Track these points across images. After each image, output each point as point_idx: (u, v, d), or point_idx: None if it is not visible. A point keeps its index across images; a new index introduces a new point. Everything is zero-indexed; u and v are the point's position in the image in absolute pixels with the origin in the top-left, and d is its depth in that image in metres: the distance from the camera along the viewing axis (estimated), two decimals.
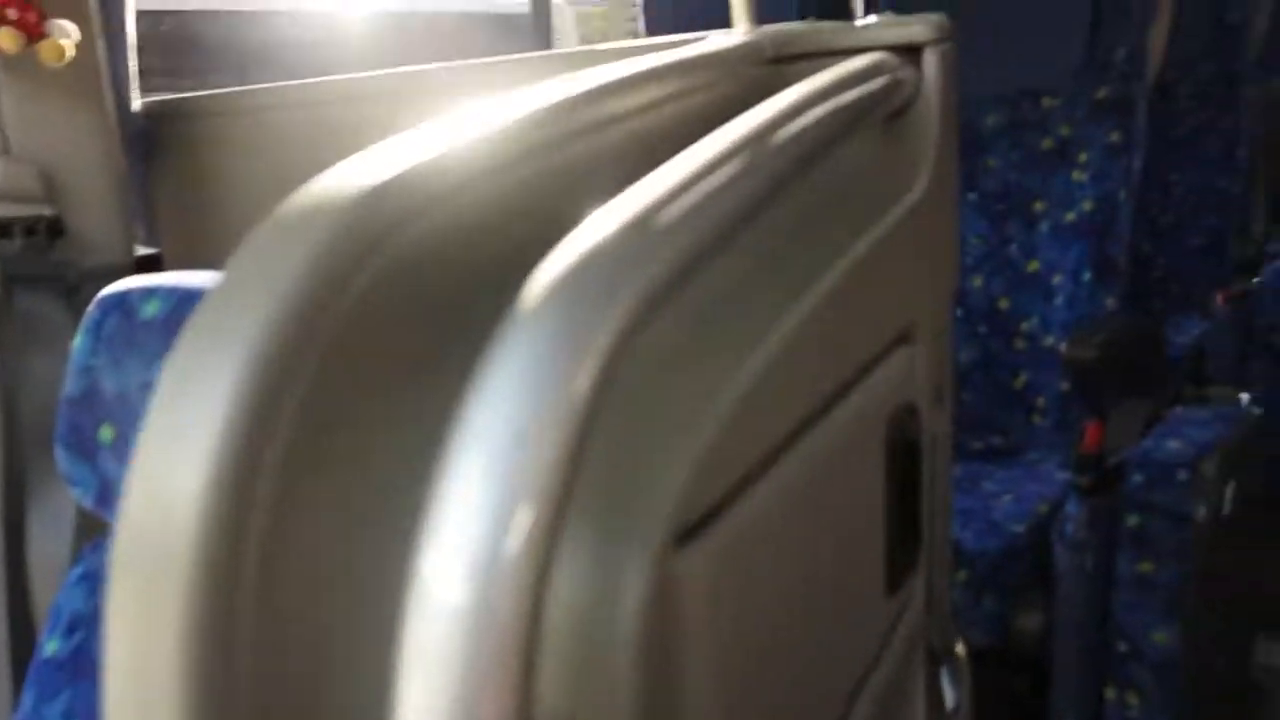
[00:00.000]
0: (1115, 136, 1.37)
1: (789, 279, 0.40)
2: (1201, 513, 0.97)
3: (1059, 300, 1.37)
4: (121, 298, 0.73)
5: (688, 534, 0.30)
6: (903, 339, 0.50)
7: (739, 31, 0.55)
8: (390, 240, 0.27)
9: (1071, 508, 1.03)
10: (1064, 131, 1.40)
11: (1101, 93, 1.38)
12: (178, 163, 1.51)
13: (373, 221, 0.27)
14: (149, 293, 0.72)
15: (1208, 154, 1.89)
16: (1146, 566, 0.98)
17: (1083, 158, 1.38)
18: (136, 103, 1.44)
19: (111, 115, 1.30)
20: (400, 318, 0.29)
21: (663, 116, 0.44)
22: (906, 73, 0.54)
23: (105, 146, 1.28)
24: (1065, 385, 1.37)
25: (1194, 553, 0.97)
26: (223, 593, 0.24)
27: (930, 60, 0.55)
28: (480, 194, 0.31)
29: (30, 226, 1.19)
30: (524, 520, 0.23)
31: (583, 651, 0.29)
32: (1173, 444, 1.01)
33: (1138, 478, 0.99)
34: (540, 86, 0.37)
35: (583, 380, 0.24)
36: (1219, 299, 1.80)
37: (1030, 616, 1.05)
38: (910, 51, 0.55)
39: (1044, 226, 1.40)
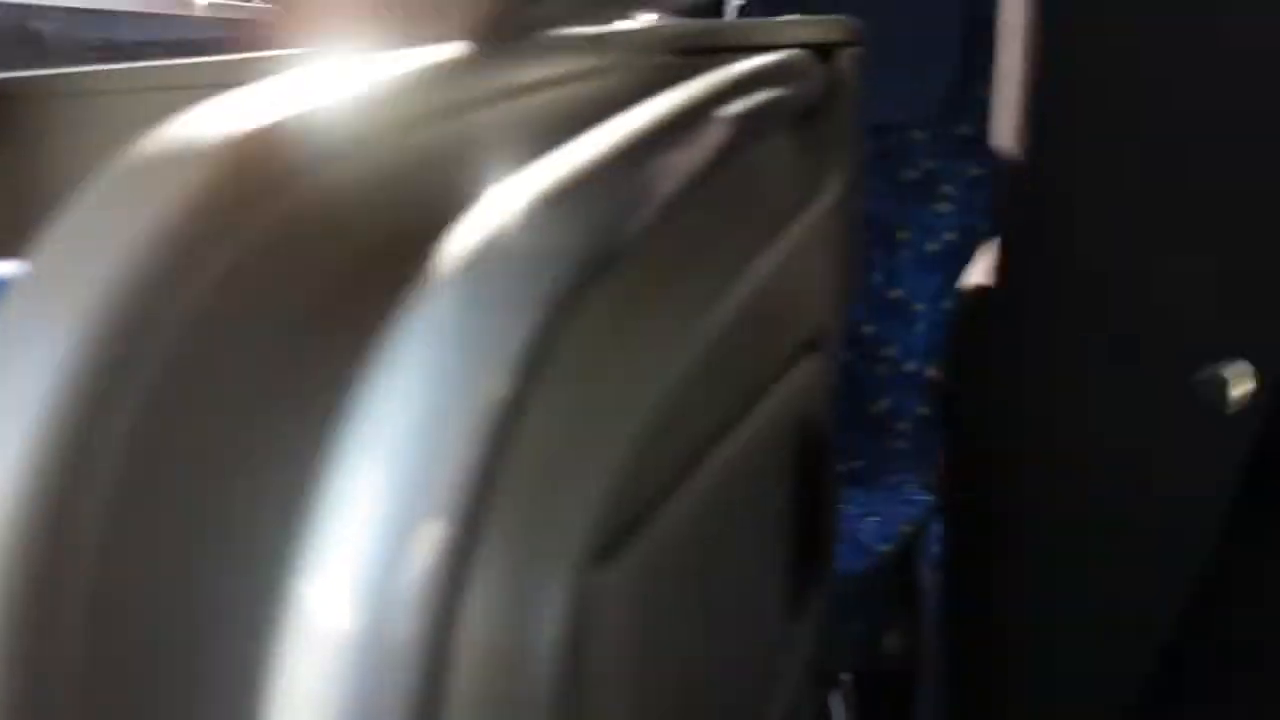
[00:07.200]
0: (976, 171, 1.42)
1: (707, 281, 0.37)
2: None
3: (920, 327, 1.40)
4: None
5: (606, 551, 0.27)
6: (810, 346, 0.49)
7: (642, 19, 0.52)
8: (268, 201, 0.23)
9: (936, 528, 1.04)
10: (929, 164, 1.43)
11: (964, 129, 1.43)
12: (6, 149, 1.37)
13: (251, 177, 0.23)
14: None
15: None
16: None
17: (946, 190, 1.41)
18: None
19: None
20: (276, 292, 0.24)
21: (563, 95, 0.41)
22: (818, 73, 0.52)
23: None
24: (924, 410, 1.40)
25: None
26: (45, 606, 0.20)
27: (844, 62, 0.54)
28: (376, 155, 0.27)
29: None
30: (429, 539, 0.19)
31: (495, 683, 0.25)
32: None
33: None
34: (427, 51, 0.34)
35: (501, 376, 0.21)
36: None
37: (897, 638, 1.06)
38: (821, 52, 0.54)
39: (906, 255, 1.43)
